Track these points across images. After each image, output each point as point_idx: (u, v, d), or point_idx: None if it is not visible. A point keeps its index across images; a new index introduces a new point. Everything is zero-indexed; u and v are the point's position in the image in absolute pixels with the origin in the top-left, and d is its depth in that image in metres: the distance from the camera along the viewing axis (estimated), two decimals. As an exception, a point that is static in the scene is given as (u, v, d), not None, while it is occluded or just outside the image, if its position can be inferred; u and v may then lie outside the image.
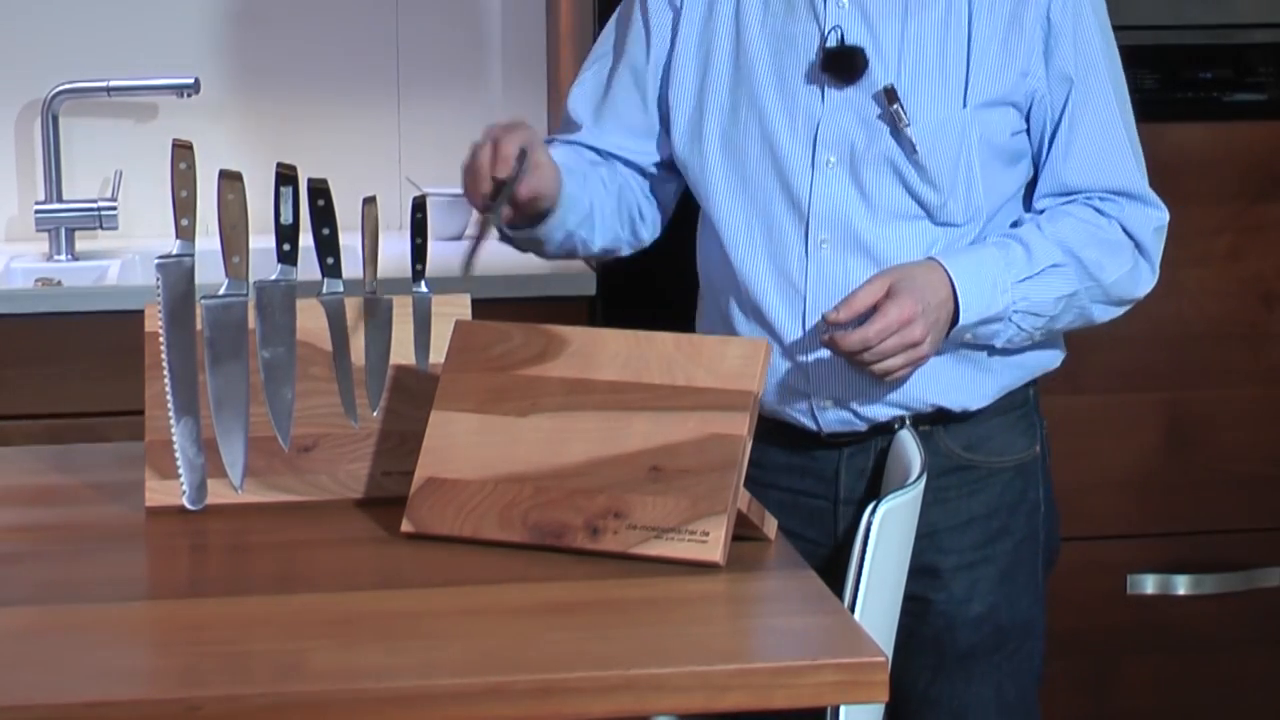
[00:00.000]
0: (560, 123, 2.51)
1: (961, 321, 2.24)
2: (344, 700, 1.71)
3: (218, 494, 2.21)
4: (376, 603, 1.93)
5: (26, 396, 3.31)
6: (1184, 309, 3.34)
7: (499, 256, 3.69)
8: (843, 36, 2.29)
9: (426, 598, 1.95)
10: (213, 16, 3.80)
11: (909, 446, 2.26)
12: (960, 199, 2.29)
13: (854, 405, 2.32)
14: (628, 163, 2.44)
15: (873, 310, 2.19)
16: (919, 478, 2.18)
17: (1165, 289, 3.26)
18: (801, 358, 2.30)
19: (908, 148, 2.27)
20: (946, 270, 2.23)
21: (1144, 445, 3.38)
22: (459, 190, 3.85)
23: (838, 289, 2.28)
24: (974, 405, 2.35)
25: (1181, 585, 3.42)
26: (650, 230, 2.46)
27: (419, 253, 2.30)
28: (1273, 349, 3.40)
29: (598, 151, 2.44)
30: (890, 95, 2.26)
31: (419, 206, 2.30)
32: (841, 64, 2.28)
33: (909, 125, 2.26)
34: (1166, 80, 3.29)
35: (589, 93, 2.46)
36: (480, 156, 2.25)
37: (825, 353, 2.26)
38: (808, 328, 2.30)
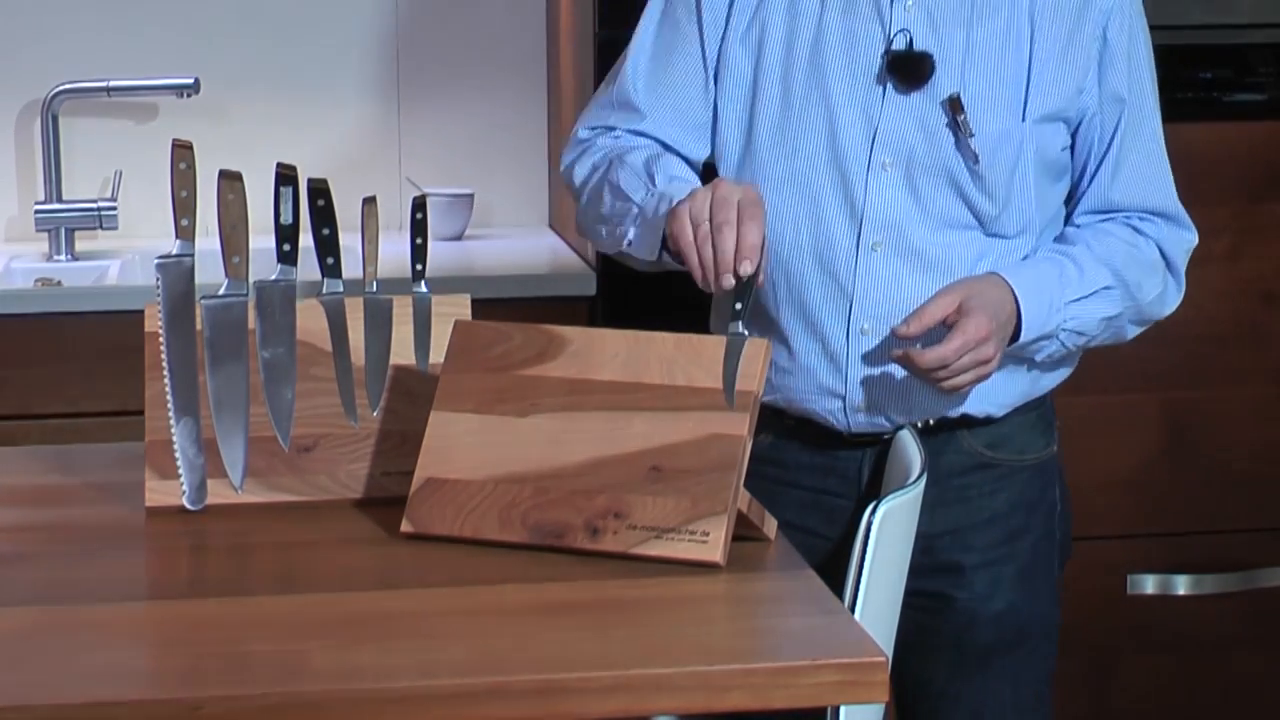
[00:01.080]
0: (612, 100, 2.41)
1: (1022, 338, 2.25)
2: (344, 700, 1.71)
3: (218, 494, 2.21)
4: (376, 603, 1.93)
5: (26, 396, 3.31)
6: (1184, 309, 3.32)
7: (499, 256, 3.71)
8: (911, 41, 2.27)
9: (426, 598, 1.95)
10: (213, 16, 3.80)
11: (909, 446, 2.26)
12: (1014, 211, 2.29)
13: (888, 410, 2.32)
14: (676, 154, 2.39)
15: (941, 324, 2.19)
16: (919, 478, 2.18)
17: (1165, 289, 3.28)
18: (842, 359, 2.30)
19: (969, 158, 2.26)
20: (1011, 286, 2.23)
21: (1144, 445, 3.38)
22: (459, 190, 3.89)
23: (885, 293, 2.28)
24: (998, 413, 2.36)
25: (1181, 585, 3.42)
26: None
27: (419, 253, 2.29)
28: (1273, 349, 3.40)
29: (658, 143, 2.39)
30: (955, 105, 2.25)
31: (419, 207, 2.30)
32: (908, 68, 2.26)
33: (973, 136, 2.25)
34: (1166, 80, 3.28)
35: (647, 72, 2.39)
36: (723, 246, 2.10)
37: (866, 355, 2.27)
38: (852, 329, 2.29)
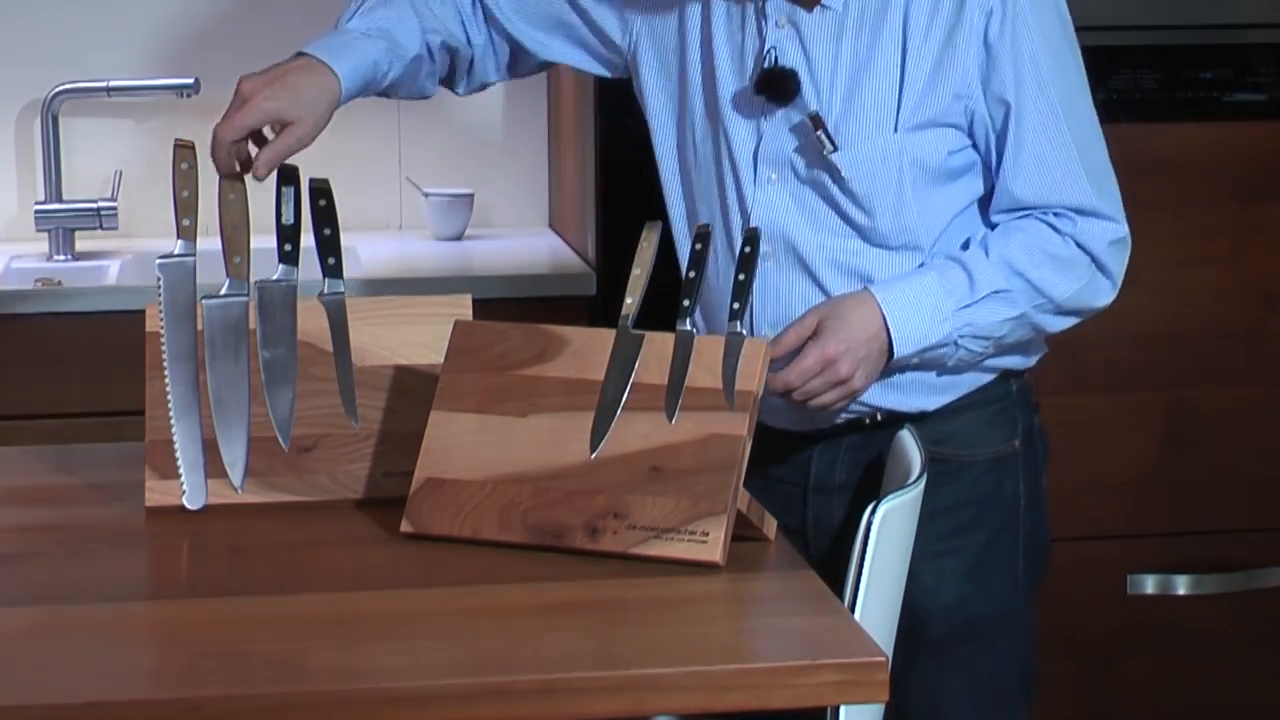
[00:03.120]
0: None
1: (897, 353, 2.26)
2: (344, 700, 1.71)
3: (218, 494, 2.21)
4: (376, 603, 1.93)
5: (26, 396, 3.31)
6: (1184, 309, 3.34)
7: (499, 256, 3.70)
8: (776, 58, 2.30)
9: (426, 598, 1.95)
10: (213, 16, 3.80)
11: (909, 446, 2.26)
12: (890, 222, 2.30)
13: (809, 415, 2.32)
14: (501, 31, 2.48)
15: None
16: (919, 478, 2.18)
17: (1165, 289, 3.29)
18: None
19: (834, 173, 2.29)
20: (879, 304, 2.25)
21: (1144, 445, 3.38)
22: (459, 190, 3.89)
23: (781, 302, 2.32)
24: (931, 406, 2.36)
25: (1181, 585, 3.42)
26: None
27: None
28: (1273, 349, 3.40)
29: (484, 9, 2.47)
30: (815, 122, 2.28)
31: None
32: (774, 85, 2.30)
33: (835, 151, 2.28)
34: (1166, 80, 3.29)
35: None
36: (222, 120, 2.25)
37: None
38: (756, 335, 2.30)
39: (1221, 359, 3.38)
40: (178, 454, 2.19)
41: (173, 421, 2.20)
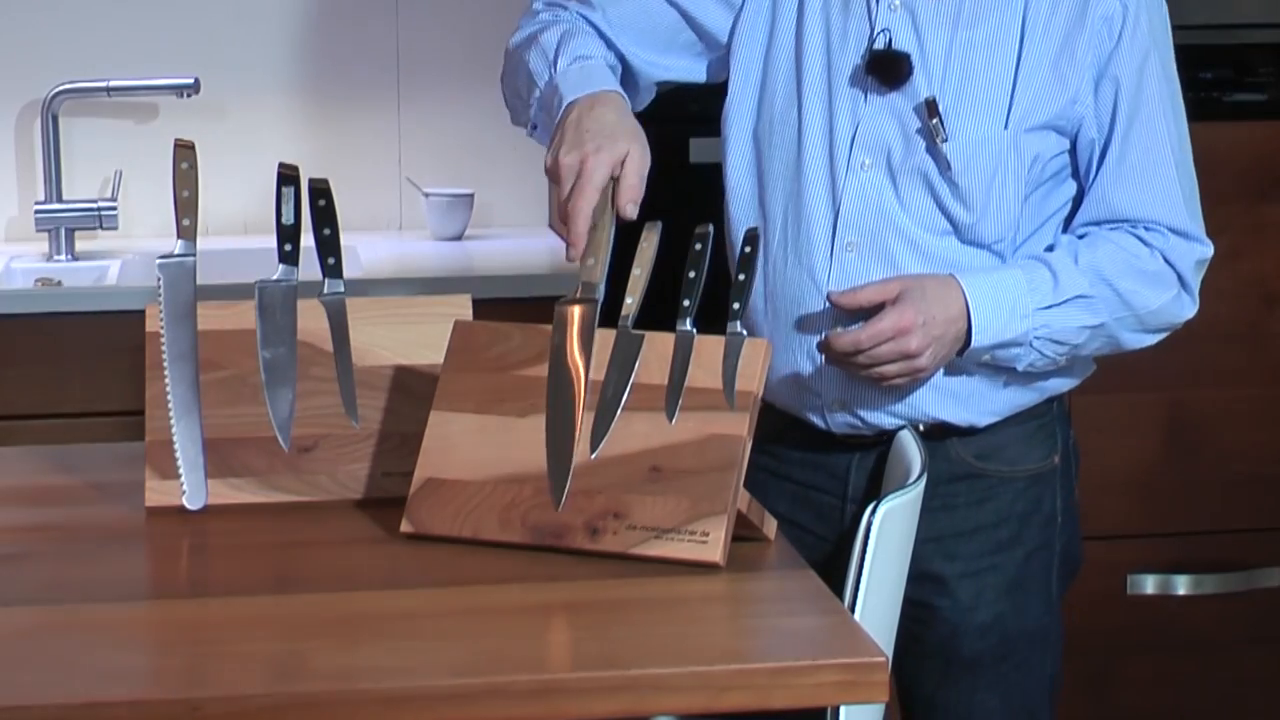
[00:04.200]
0: None
1: (974, 343, 2.22)
2: (344, 700, 1.71)
3: (218, 494, 2.21)
4: (376, 603, 1.93)
5: (26, 396, 3.31)
6: (1184, 309, 3.34)
7: (499, 256, 3.70)
8: (890, 40, 2.26)
9: (426, 598, 1.95)
10: (213, 16, 3.80)
11: (909, 447, 2.26)
12: (990, 220, 2.27)
13: (860, 411, 2.31)
14: (623, 60, 2.39)
15: (878, 310, 2.19)
16: (919, 478, 2.18)
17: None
18: (818, 356, 2.29)
19: (942, 163, 2.25)
20: (962, 289, 2.22)
21: (1144, 445, 3.38)
22: (459, 190, 3.89)
23: None
24: (982, 422, 2.33)
25: (1181, 585, 3.42)
26: None
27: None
28: (1273, 349, 3.40)
29: (603, 39, 2.37)
30: (931, 108, 2.24)
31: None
32: (885, 68, 2.26)
33: (946, 141, 2.24)
34: (1166, 80, 3.29)
35: None
36: (571, 198, 2.14)
37: None
38: (825, 328, 2.29)
39: (1221, 359, 3.38)
40: (178, 453, 2.19)
41: (173, 421, 2.20)
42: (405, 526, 2.10)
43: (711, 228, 2.21)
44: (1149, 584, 3.42)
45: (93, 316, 3.31)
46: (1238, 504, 3.42)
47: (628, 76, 2.40)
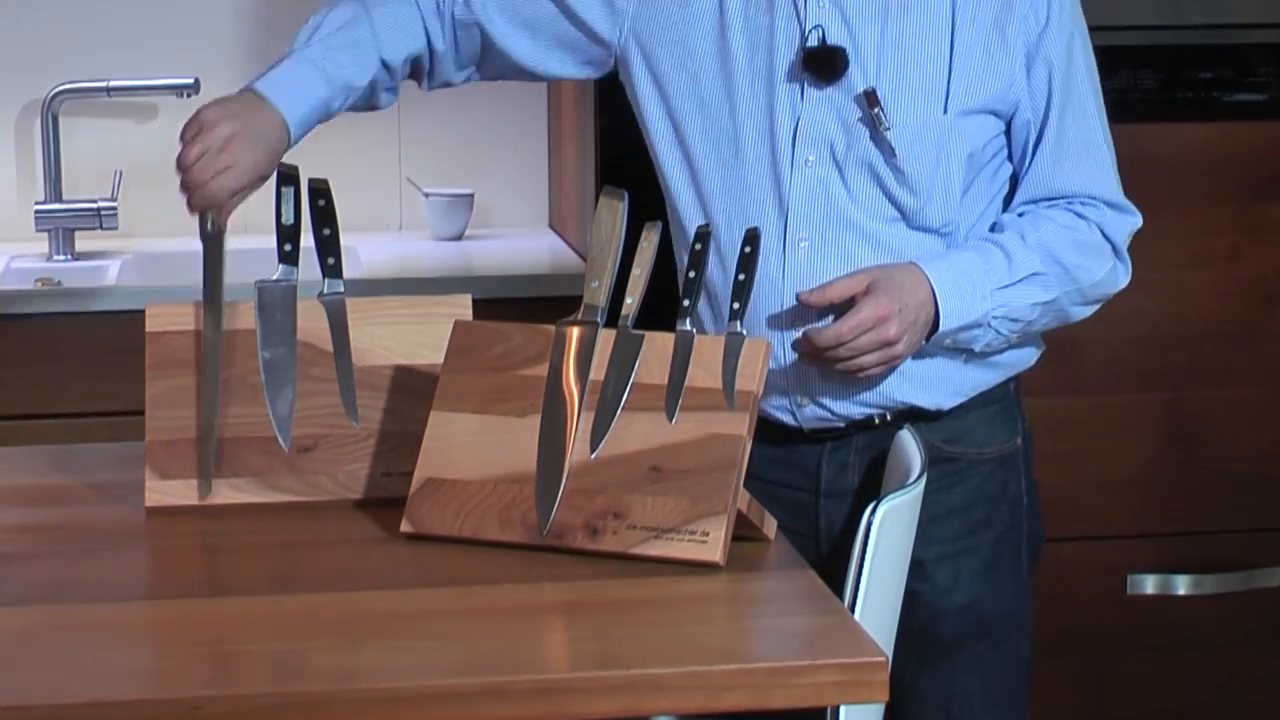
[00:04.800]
0: None
1: (942, 327, 2.26)
2: (344, 700, 1.71)
3: (218, 494, 2.21)
4: (376, 603, 1.93)
5: (26, 396, 3.31)
6: (1184, 309, 3.34)
7: (499, 256, 3.70)
8: (824, 36, 2.29)
9: (426, 598, 1.95)
10: (213, 16, 3.80)
11: (909, 446, 2.26)
12: (937, 204, 2.30)
13: (829, 403, 2.33)
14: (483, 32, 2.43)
15: (848, 305, 2.21)
16: (919, 477, 2.18)
17: (1165, 289, 3.29)
18: (779, 354, 2.31)
19: (887, 151, 2.28)
20: (926, 275, 2.25)
21: (1144, 445, 3.38)
22: (459, 190, 3.88)
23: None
24: (948, 404, 2.36)
25: (1181, 585, 3.42)
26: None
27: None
28: (1273, 349, 3.40)
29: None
30: (871, 98, 2.27)
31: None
32: (822, 63, 2.29)
33: (889, 129, 2.27)
34: (1166, 80, 3.29)
35: None
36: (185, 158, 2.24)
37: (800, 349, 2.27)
38: (785, 326, 2.30)
39: (1221, 359, 3.38)
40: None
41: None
42: (405, 526, 2.10)
43: (711, 227, 2.21)
44: (1149, 584, 3.42)
45: (93, 316, 3.31)
46: (1238, 504, 3.42)
47: (488, 52, 2.46)
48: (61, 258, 3.67)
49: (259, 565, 2.07)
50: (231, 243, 3.80)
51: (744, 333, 2.09)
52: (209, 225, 2.23)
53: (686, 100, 2.36)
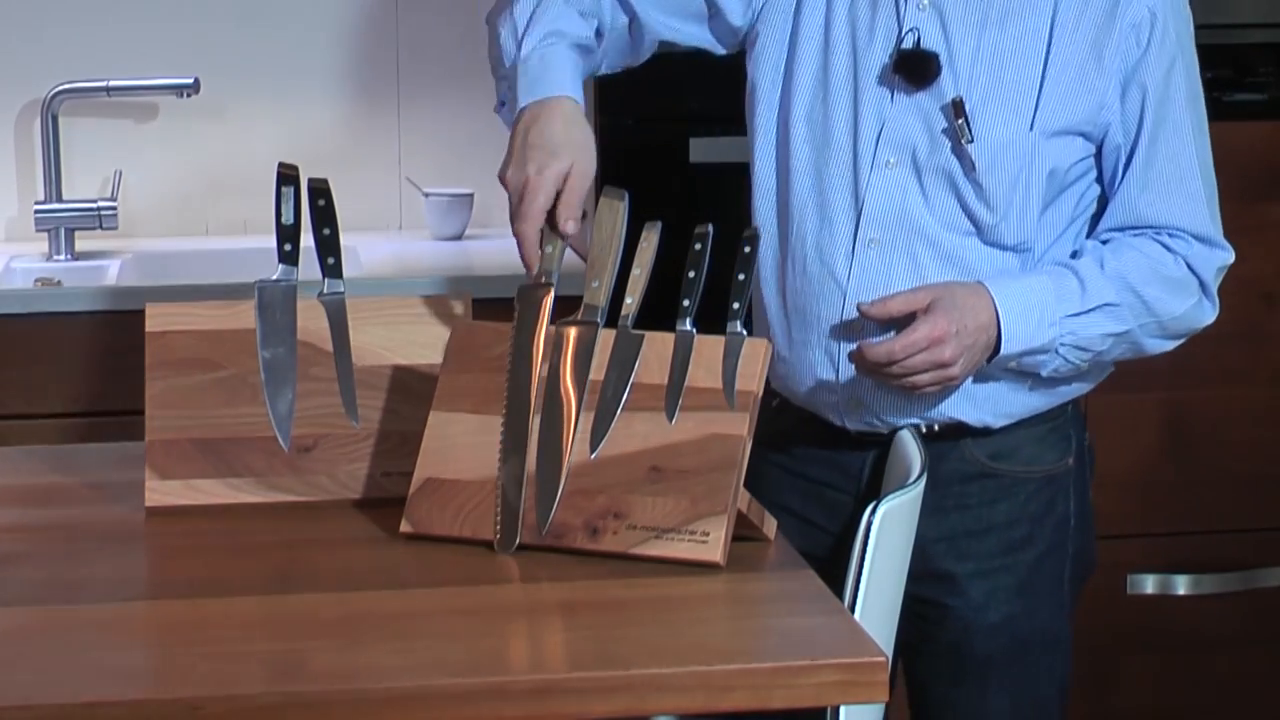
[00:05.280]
0: None
1: (1004, 350, 2.22)
2: (344, 700, 1.71)
3: (218, 494, 2.21)
4: (376, 603, 1.93)
5: (26, 396, 3.31)
6: (1184, 309, 3.33)
7: (499, 256, 3.70)
8: (919, 39, 2.27)
9: (426, 598, 1.95)
10: (213, 16, 3.80)
11: (909, 446, 2.26)
12: (1013, 222, 2.27)
13: (878, 411, 2.32)
14: (632, 12, 2.37)
15: (908, 320, 2.19)
16: (919, 478, 2.18)
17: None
18: (835, 355, 2.30)
19: (967, 164, 2.25)
20: (992, 296, 2.22)
21: (1144, 445, 3.38)
22: (459, 190, 3.88)
23: (878, 290, 2.27)
24: (996, 423, 2.33)
25: (1181, 585, 3.42)
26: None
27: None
28: (1273, 349, 3.40)
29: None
30: (957, 108, 2.24)
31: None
32: (913, 67, 2.26)
33: (971, 142, 2.24)
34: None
35: None
36: (516, 221, 2.15)
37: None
38: (844, 331, 2.29)
39: (1221, 359, 3.38)
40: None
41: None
42: (405, 526, 2.10)
43: (711, 228, 2.20)
44: (1149, 584, 3.42)
45: (93, 316, 3.31)
46: (1238, 504, 3.42)
47: (634, 29, 2.39)
48: (61, 258, 3.67)
49: (258, 565, 2.07)
50: (231, 243, 3.81)
51: (744, 333, 2.09)
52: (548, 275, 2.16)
53: (785, 92, 2.33)
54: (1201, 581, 3.42)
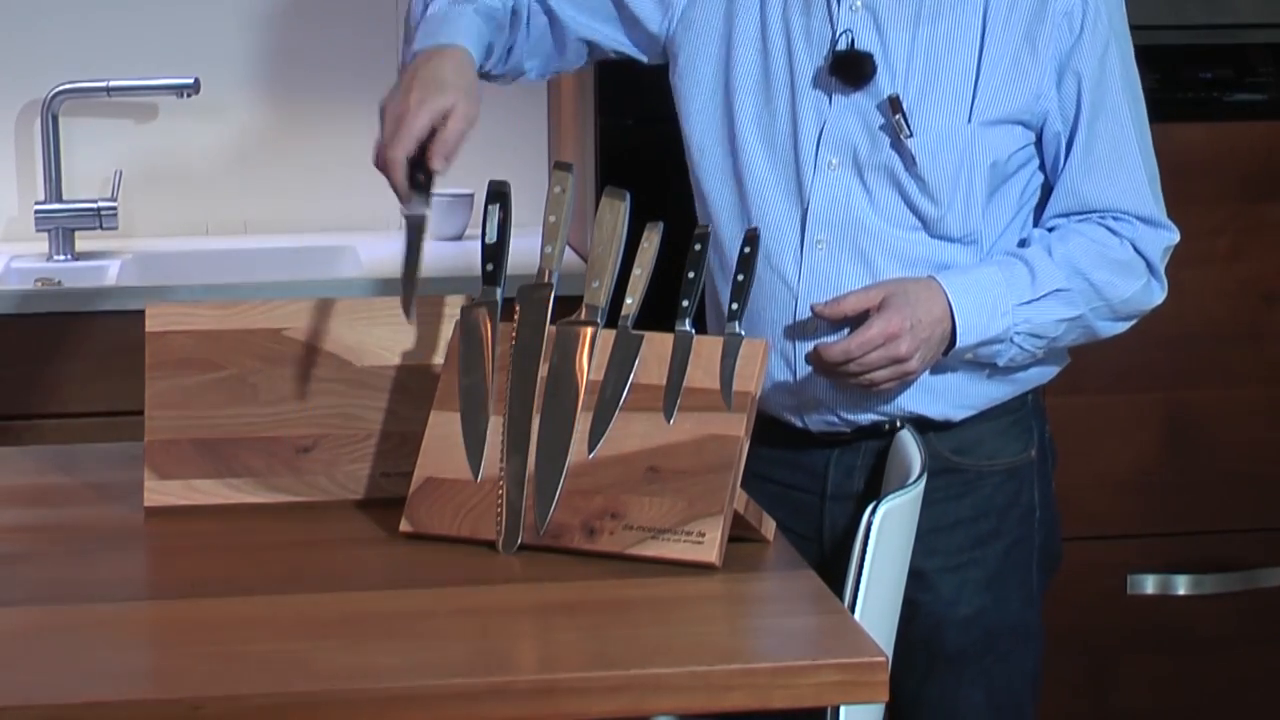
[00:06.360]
0: None
1: (959, 343, 2.24)
2: (344, 700, 1.71)
3: (217, 494, 2.21)
4: (376, 603, 1.93)
5: (26, 396, 3.31)
6: (1184, 309, 3.32)
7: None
8: (853, 41, 2.28)
9: (426, 598, 1.95)
10: (213, 16, 3.80)
11: (909, 446, 2.26)
12: (958, 214, 2.29)
13: (838, 409, 2.33)
14: (548, 11, 2.39)
15: (861, 319, 2.19)
16: (919, 478, 2.18)
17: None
18: (790, 357, 2.31)
19: (908, 159, 2.27)
20: (944, 290, 2.23)
21: (1144, 445, 3.38)
22: (459, 190, 3.89)
23: (829, 291, 2.28)
24: (957, 416, 2.35)
25: (1181, 585, 3.42)
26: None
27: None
28: (1273, 349, 3.40)
29: None
30: (894, 105, 2.26)
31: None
32: (848, 69, 2.27)
33: (910, 137, 2.26)
34: (1166, 80, 3.29)
35: None
36: (388, 146, 2.14)
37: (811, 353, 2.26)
38: (798, 331, 2.30)
39: (1221, 359, 3.38)
40: (501, 497, 2.05)
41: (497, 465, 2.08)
42: (405, 526, 2.10)
43: (711, 228, 2.21)
44: (1149, 584, 3.42)
45: (92, 316, 3.31)
46: (1238, 504, 3.42)
47: (555, 29, 2.42)
48: (61, 258, 3.67)
49: (258, 565, 2.07)
50: (231, 243, 3.81)
51: (742, 333, 2.09)
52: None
53: (727, 94, 2.34)
54: (1201, 581, 3.42)
